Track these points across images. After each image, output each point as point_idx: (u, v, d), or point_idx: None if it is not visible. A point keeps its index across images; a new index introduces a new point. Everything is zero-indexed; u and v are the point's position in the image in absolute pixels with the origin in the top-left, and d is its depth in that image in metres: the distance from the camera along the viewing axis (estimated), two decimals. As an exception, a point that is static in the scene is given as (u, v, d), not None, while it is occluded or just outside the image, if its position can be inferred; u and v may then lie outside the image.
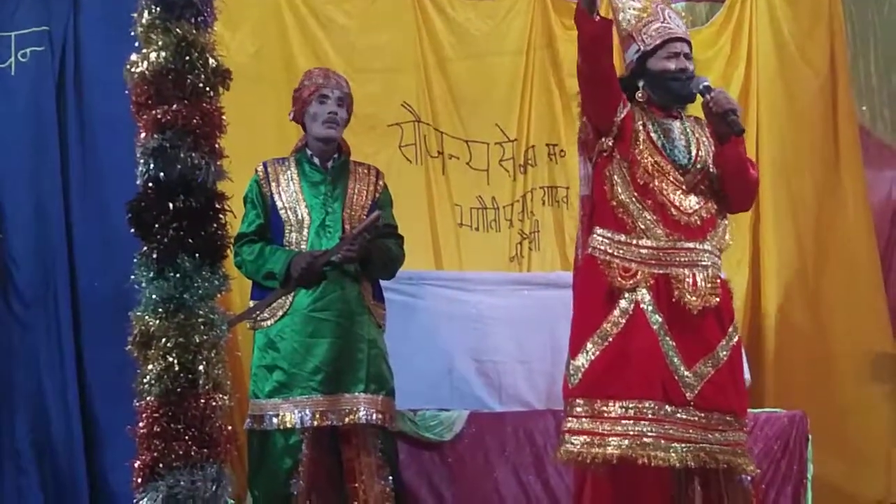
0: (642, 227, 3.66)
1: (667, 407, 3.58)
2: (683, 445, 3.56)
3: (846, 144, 6.11)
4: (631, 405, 3.57)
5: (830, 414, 5.66)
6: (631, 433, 3.55)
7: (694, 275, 3.63)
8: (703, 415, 3.60)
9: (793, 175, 6.06)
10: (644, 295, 3.63)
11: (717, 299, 3.64)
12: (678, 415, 3.58)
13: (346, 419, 4.13)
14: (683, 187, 3.70)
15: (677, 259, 3.65)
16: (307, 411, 4.10)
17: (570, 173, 6.12)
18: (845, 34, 6.26)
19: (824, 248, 6.05)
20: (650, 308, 3.63)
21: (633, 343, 3.61)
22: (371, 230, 4.18)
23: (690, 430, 3.58)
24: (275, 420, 4.11)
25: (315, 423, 4.10)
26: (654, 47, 3.77)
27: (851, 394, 5.86)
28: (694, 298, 3.61)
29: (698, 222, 3.69)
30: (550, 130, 6.15)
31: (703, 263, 3.66)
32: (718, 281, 3.69)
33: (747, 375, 3.78)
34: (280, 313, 4.19)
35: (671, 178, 3.69)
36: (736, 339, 3.72)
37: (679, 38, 3.77)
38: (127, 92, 3.46)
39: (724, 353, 3.66)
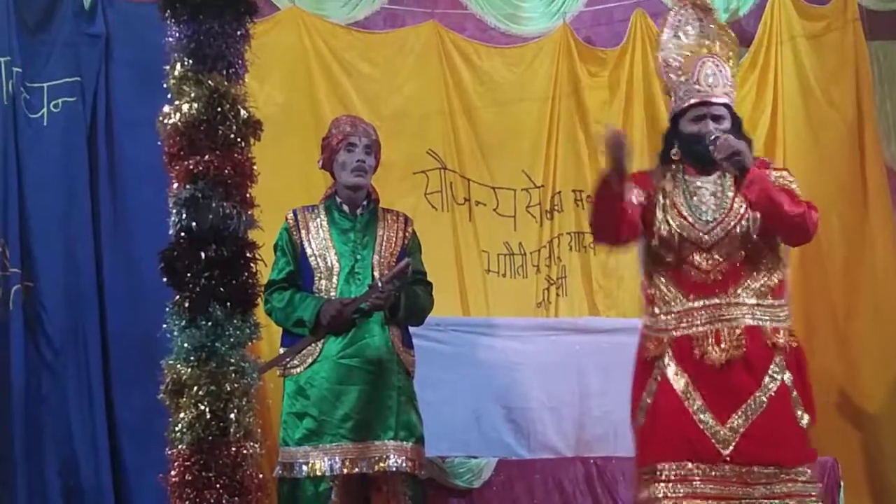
0: (669, 297, 3.76)
1: (699, 466, 3.60)
2: (723, 503, 3.58)
3: (874, 187, 6.09)
4: (663, 468, 3.63)
5: (862, 460, 5.61)
6: (663, 494, 3.62)
7: (717, 330, 3.67)
8: (742, 469, 3.59)
9: (820, 219, 6.00)
10: (668, 359, 3.71)
11: (744, 350, 3.64)
12: (713, 473, 3.60)
13: (376, 467, 4.12)
14: (704, 246, 3.73)
15: (698, 319, 3.70)
16: (337, 459, 4.09)
17: (596, 219, 6.13)
18: (871, 77, 6.26)
19: (853, 292, 6.01)
20: (671, 371, 3.69)
21: (659, 408, 3.69)
22: (400, 278, 4.20)
23: (729, 487, 3.58)
24: (305, 468, 4.10)
25: (345, 470, 4.09)
26: (681, 109, 3.83)
27: (883, 439, 5.78)
28: (716, 353, 3.64)
29: (719, 277, 3.71)
30: (576, 176, 6.18)
31: (727, 316, 3.68)
32: (743, 330, 3.67)
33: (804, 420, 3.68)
34: (310, 360, 4.20)
35: (693, 238, 3.74)
36: (775, 386, 3.65)
37: (705, 102, 3.79)
38: (159, 143, 3.51)
39: (759, 403, 3.63)
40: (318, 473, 4.09)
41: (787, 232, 3.72)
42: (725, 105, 3.81)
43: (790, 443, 3.62)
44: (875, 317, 5.96)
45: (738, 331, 3.66)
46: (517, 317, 5.85)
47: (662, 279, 3.79)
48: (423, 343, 4.90)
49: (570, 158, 6.18)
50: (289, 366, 4.24)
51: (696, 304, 3.71)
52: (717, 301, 3.69)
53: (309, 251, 4.30)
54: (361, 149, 4.33)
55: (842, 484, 5.08)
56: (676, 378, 3.69)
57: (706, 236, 3.73)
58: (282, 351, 4.28)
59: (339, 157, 4.34)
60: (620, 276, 6.16)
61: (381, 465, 4.12)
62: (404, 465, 4.15)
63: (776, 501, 3.57)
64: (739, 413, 3.61)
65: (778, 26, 6.20)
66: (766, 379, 3.65)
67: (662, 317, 3.76)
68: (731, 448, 3.59)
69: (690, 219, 3.75)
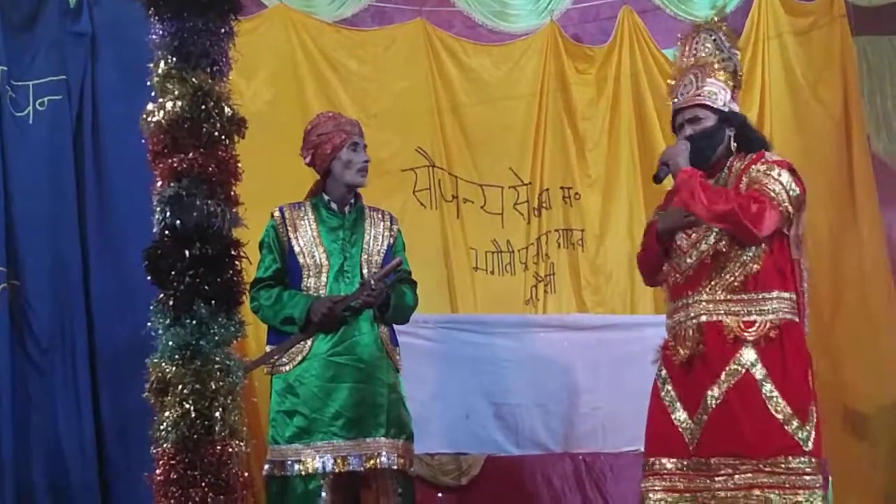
0: (668, 301, 3.92)
1: (671, 460, 3.73)
2: (689, 495, 3.69)
3: (861, 184, 6.11)
4: (647, 461, 3.80)
5: (850, 457, 5.61)
6: (643, 488, 3.78)
7: (685, 329, 3.77)
8: (703, 462, 3.67)
9: (807, 216, 6.01)
10: (660, 362, 3.87)
11: (702, 346, 3.71)
12: (682, 466, 3.71)
13: (368, 464, 4.11)
14: (684, 248, 3.83)
15: (678, 318, 3.82)
16: (329, 457, 4.08)
17: (584, 216, 6.16)
18: (860, 72, 6.27)
19: (840, 290, 6.02)
20: (658, 371, 3.86)
21: (650, 407, 3.86)
22: (391, 276, 4.20)
23: (696, 480, 3.68)
24: (296, 466, 4.09)
25: (337, 468, 4.08)
26: (672, 126, 4.00)
27: (870, 435, 5.80)
28: (681, 352, 3.75)
29: (690, 273, 3.79)
30: (564, 173, 6.19)
31: (693, 315, 3.76)
32: (703, 327, 3.73)
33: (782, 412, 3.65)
34: (299, 358, 4.18)
35: (682, 240, 3.85)
36: (734, 380, 3.67)
37: (679, 109, 3.92)
38: (143, 140, 3.50)
39: (716, 397, 3.67)
40: (311, 471, 4.08)
41: (725, 230, 3.75)
42: (702, 105, 3.86)
43: (755, 434, 3.62)
44: (862, 313, 5.98)
45: (699, 328, 3.73)
46: (505, 314, 5.86)
47: (664, 285, 3.97)
48: (412, 340, 4.92)
49: (557, 156, 6.20)
50: (277, 363, 4.22)
51: (677, 304, 3.83)
52: (689, 301, 3.78)
53: (297, 248, 4.29)
54: (362, 148, 4.34)
55: (830, 480, 5.08)
56: (662, 379, 3.83)
57: (686, 241, 3.83)
58: (268, 349, 4.27)
59: (342, 156, 4.30)
60: (608, 273, 6.18)
61: (373, 462, 4.11)
62: (396, 462, 4.15)
63: (736, 492, 3.60)
64: (700, 408, 3.68)
65: (765, 23, 6.22)
66: (724, 374, 3.68)
67: (666, 321, 3.91)
68: (695, 442, 3.68)
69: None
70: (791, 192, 3.71)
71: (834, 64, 6.22)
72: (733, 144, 3.86)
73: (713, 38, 3.99)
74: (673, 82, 4.00)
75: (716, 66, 3.93)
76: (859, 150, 6.16)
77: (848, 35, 6.18)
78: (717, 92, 3.88)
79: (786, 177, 3.72)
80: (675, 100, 3.94)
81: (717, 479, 3.63)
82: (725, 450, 3.63)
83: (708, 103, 3.86)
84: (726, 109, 3.88)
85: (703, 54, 3.97)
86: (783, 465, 3.60)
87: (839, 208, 6.11)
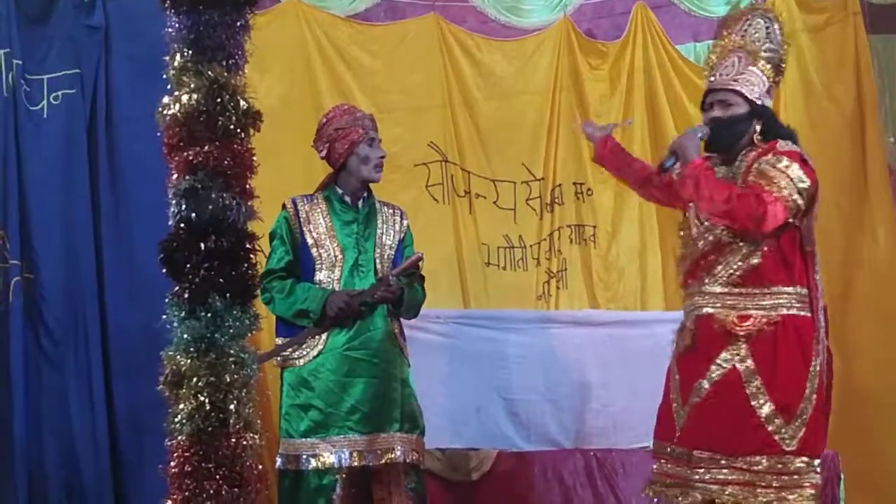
0: (682, 290, 3.91)
1: (664, 445, 3.76)
2: (671, 481, 3.71)
3: (875, 181, 6.08)
4: (653, 445, 3.84)
5: (862, 454, 5.59)
6: (654, 471, 3.81)
7: (686, 319, 3.79)
8: (684, 452, 3.67)
9: (819, 213, 5.98)
10: (672, 349, 3.87)
11: (696, 338, 3.72)
12: (668, 452, 3.74)
13: (383, 458, 4.11)
14: (694, 235, 3.80)
15: (686, 307, 3.82)
16: (345, 451, 4.08)
17: (597, 212, 6.15)
18: (872, 71, 6.25)
19: (852, 287, 5.99)
20: (672, 356, 3.85)
21: (664, 393, 3.87)
22: (409, 271, 4.22)
23: (678, 467, 3.69)
24: (312, 460, 4.08)
25: (354, 462, 4.08)
26: (702, 102, 3.91)
27: (883, 433, 5.78)
28: (681, 342, 3.77)
29: (698, 261, 3.77)
30: (577, 169, 6.19)
31: (693, 306, 3.76)
32: (697, 319, 3.73)
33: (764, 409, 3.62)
34: (314, 352, 4.17)
35: (694, 227, 3.84)
36: (720, 373, 3.64)
37: (710, 90, 3.85)
38: (158, 134, 3.51)
39: (702, 391, 3.65)
40: (326, 466, 4.07)
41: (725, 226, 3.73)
42: (737, 92, 3.77)
43: (731, 432, 3.60)
44: (875, 311, 5.95)
45: (696, 320, 3.73)
46: (517, 309, 5.86)
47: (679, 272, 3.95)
48: (424, 335, 4.92)
49: (570, 151, 6.20)
50: (289, 357, 4.23)
51: (686, 292, 3.83)
52: (694, 290, 3.77)
53: (310, 241, 4.28)
54: (378, 143, 4.34)
55: (842, 477, 5.08)
56: (672, 365, 3.84)
57: (697, 228, 3.79)
58: (279, 341, 4.27)
59: (360, 151, 4.29)
60: (621, 269, 6.18)
61: (389, 456, 4.12)
62: (410, 456, 4.15)
63: (713, 487, 3.58)
64: (689, 399, 3.68)
65: (779, 19, 6.18)
66: (713, 367, 3.65)
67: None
68: (679, 432, 3.69)
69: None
70: (800, 185, 3.63)
71: (848, 62, 6.19)
72: (757, 138, 3.78)
73: (766, 25, 3.91)
74: (714, 58, 3.88)
75: (762, 55, 3.85)
76: (873, 146, 6.13)
77: (862, 33, 6.14)
78: (756, 82, 3.78)
79: (795, 169, 3.64)
80: (712, 78, 3.83)
81: (696, 471, 3.61)
82: (703, 444, 3.62)
83: (743, 91, 3.77)
84: (759, 102, 3.78)
85: (753, 39, 3.89)
86: (759, 465, 3.56)
87: (852, 205, 6.08)
